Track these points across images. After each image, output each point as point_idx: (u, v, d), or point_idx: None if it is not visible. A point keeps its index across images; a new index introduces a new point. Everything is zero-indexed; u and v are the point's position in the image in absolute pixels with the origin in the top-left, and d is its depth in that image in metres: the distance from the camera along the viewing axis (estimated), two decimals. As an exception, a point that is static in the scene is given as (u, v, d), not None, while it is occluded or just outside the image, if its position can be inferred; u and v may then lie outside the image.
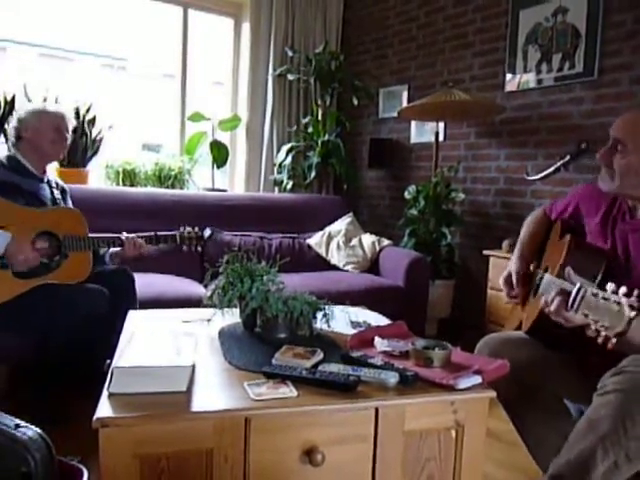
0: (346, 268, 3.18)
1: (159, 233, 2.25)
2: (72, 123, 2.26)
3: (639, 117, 1.45)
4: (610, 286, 1.09)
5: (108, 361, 1.31)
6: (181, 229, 2.29)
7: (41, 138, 2.12)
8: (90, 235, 2.13)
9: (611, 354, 1.31)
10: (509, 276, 1.66)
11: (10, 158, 2.13)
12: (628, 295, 1.05)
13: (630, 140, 1.39)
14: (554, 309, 1.24)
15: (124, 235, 2.18)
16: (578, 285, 1.13)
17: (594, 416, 1.20)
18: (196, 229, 2.30)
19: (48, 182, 2.24)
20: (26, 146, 2.13)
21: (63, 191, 2.32)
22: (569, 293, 1.16)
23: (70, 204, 2.34)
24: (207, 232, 2.32)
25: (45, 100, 3.05)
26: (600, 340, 1.09)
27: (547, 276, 1.50)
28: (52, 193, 2.22)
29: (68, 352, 1.98)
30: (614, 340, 1.08)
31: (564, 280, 1.27)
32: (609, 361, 1.30)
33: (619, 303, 1.05)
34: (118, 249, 2.22)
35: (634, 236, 1.43)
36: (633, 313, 1.04)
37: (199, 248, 2.32)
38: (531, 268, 1.66)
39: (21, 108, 2.25)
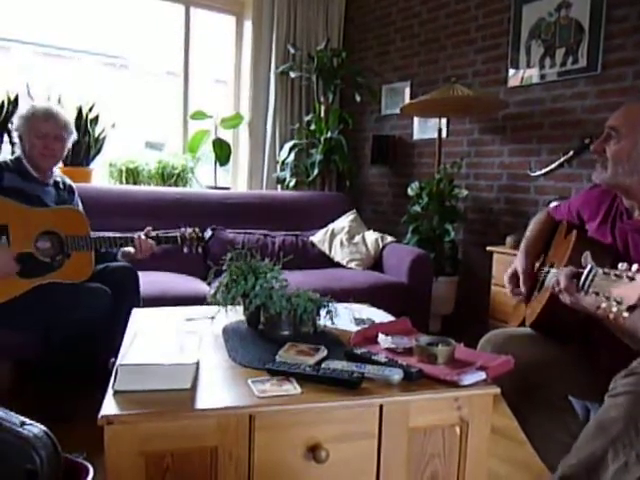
0: (349, 265, 3.18)
1: (160, 234, 2.24)
2: (63, 120, 2.15)
3: (634, 106, 1.47)
4: (622, 265, 1.10)
5: (113, 359, 1.31)
6: (182, 229, 2.26)
7: (31, 149, 2.09)
8: (97, 234, 2.13)
9: (617, 349, 1.31)
10: (514, 274, 1.65)
11: (16, 161, 2.12)
12: None
13: (623, 126, 1.40)
14: (564, 286, 1.24)
15: (137, 235, 2.17)
16: (589, 266, 1.15)
17: (605, 418, 1.19)
18: (197, 230, 2.27)
19: (55, 184, 2.22)
20: (24, 155, 2.12)
21: (71, 191, 2.31)
22: (580, 275, 1.17)
23: (79, 203, 2.33)
24: (208, 233, 2.30)
25: (48, 99, 3.06)
26: (612, 316, 1.09)
27: (553, 270, 1.50)
28: (58, 195, 2.21)
29: (71, 349, 1.99)
30: (626, 314, 1.08)
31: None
32: (615, 357, 1.30)
33: (632, 278, 1.06)
34: (130, 249, 2.22)
35: (633, 236, 1.44)
36: None
37: (199, 249, 2.28)
38: (536, 265, 1.66)
39: (19, 110, 2.21)
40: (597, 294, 1.11)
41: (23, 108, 2.18)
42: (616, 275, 1.09)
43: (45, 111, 2.12)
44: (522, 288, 1.61)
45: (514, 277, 1.65)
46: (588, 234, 1.58)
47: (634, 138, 1.38)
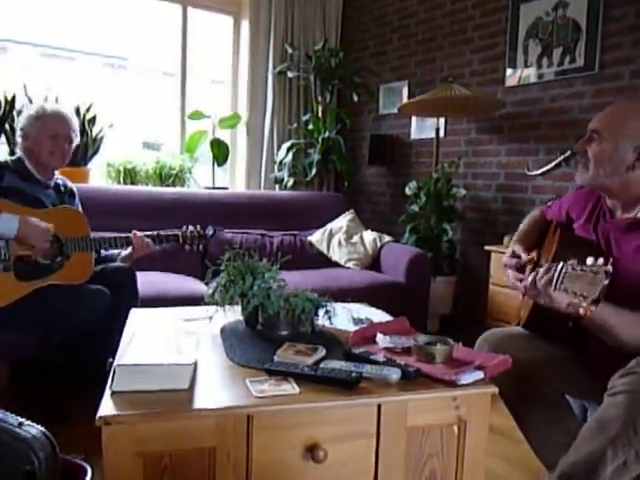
0: (347, 265, 3.18)
1: (162, 233, 2.24)
2: (74, 123, 2.19)
3: (616, 108, 1.49)
4: (590, 260, 1.12)
5: (110, 359, 1.31)
6: (183, 228, 2.27)
7: (40, 148, 2.08)
8: (94, 235, 2.12)
9: (606, 348, 1.32)
10: (513, 252, 1.65)
11: (17, 161, 2.11)
12: (605, 264, 1.09)
13: (605, 128, 1.42)
14: (542, 285, 1.25)
15: (133, 232, 2.17)
16: (561, 264, 1.16)
17: (603, 417, 1.20)
18: (198, 228, 2.29)
19: (56, 186, 2.21)
20: (28, 154, 2.11)
21: (71, 194, 2.30)
22: (554, 272, 1.19)
23: (79, 206, 2.32)
24: (209, 231, 2.32)
25: (46, 99, 3.05)
26: (581, 312, 1.13)
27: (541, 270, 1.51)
28: (59, 197, 2.20)
29: (69, 350, 1.99)
30: (592, 308, 1.12)
31: None
32: (605, 355, 1.31)
33: (596, 272, 1.09)
34: (129, 251, 2.23)
35: (615, 234, 1.45)
36: (607, 281, 1.07)
37: (201, 247, 2.31)
38: (532, 255, 1.66)
39: (24, 108, 2.20)
40: (566, 291, 1.13)
41: (31, 108, 2.18)
42: (582, 270, 1.11)
43: (58, 112, 2.15)
44: (523, 256, 1.60)
45: (515, 254, 1.65)
46: (574, 233, 1.59)
47: (615, 141, 1.39)
